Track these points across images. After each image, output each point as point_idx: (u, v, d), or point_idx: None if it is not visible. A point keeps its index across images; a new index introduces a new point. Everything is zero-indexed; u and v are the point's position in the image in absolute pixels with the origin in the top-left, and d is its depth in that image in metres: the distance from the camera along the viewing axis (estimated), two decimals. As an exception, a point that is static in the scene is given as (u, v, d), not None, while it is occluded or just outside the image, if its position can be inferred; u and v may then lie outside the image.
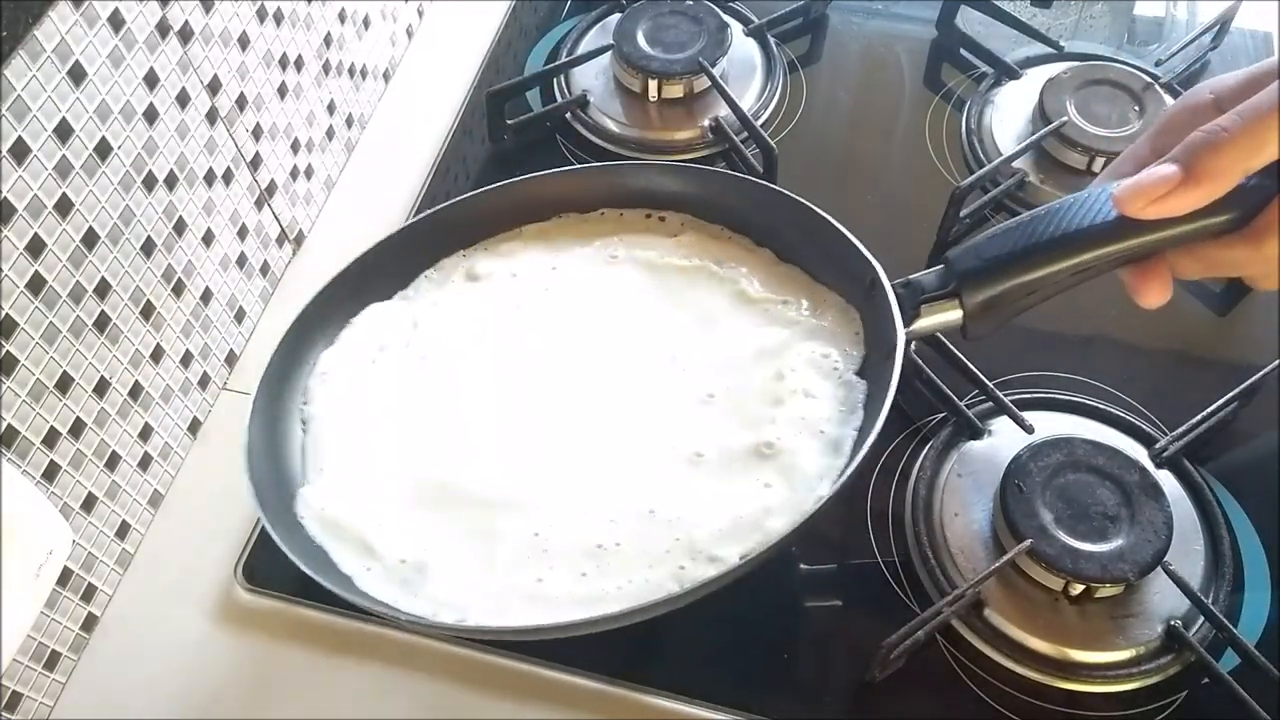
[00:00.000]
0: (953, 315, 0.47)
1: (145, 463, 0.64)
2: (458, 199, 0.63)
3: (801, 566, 0.62)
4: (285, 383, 0.57)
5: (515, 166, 0.76)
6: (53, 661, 0.59)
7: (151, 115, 0.59)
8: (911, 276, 0.49)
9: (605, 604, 0.48)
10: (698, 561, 0.49)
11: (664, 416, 0.54)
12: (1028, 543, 0.57)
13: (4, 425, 0.52)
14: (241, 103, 0.67)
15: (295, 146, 0.75)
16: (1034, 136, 0.77)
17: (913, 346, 0.68)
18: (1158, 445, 0.64)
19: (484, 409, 0.56)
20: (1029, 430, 0.63)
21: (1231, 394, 0.64)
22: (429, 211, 0.63)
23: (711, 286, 0.59)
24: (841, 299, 0.57)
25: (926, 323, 0.49)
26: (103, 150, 0.55)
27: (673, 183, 0.61)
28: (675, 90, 0.82)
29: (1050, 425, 0.64)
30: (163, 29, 0.58)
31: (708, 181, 0.61)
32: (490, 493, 0.53)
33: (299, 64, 0.73)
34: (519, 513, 0.52)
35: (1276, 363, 0.66)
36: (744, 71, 0.85)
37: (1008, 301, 0.45)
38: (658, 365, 0.56)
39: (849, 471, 0.48)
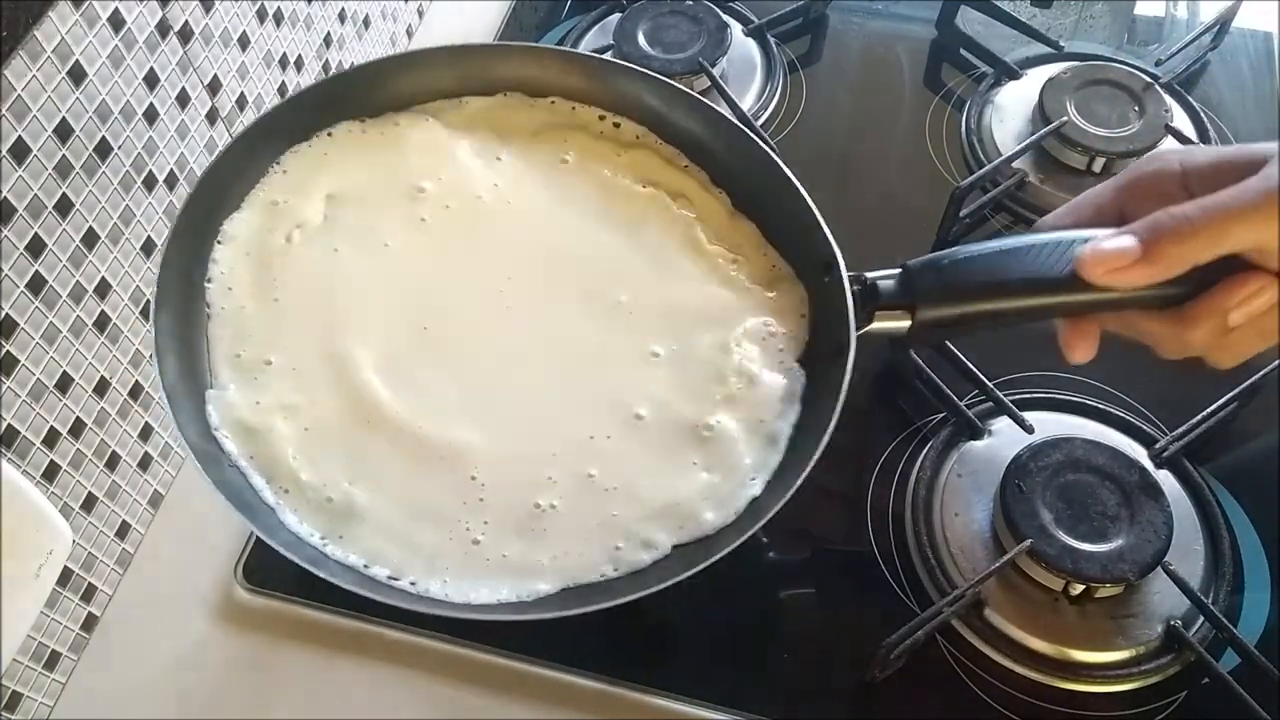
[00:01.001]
0: (900, 325, 0.47)
1: (145, 463, 0.64)
2: (401, 52, 0.58)
3: (799, 575, 0.62)
4: (194, 259, 0.52)
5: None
6: (53, 661, 0.59)
7: (152, 115, 0.59)
8: (867, 275, 0.49)
9: (539, 577, 0.47)
10: (632, 544, 0.48)
11: (608, 367, 0.52)
12: (1028, 543, 0.57)
13: (4, 425, 0.52)
14: (242, 103, 0.67)
15: (295, 146, 0.75)
16: (1034, 136, 0.77)
17: (912, 347, 0.68)
18: (1158, 445, 0.64)
19: (414, 324, 0.52)
20: (1029, 430, 0.63)
21: (1231, 394, 0.64)
22: (371, 60, 0.58)
23: (664, 224, 0.55)
24: (793, 273, 0.54)
25: (875, 327, 0.48)
26: (103, 150, 0.55)
27: (636, 89, 0.57)
28: (675, 90, 0.82)
29: (1050, 425, 0.64)
30: (163, 29, 0.58)
31: (673, 99, 0.56)
32: (423, 423, 0.50)
33: (299, 64, 0.73)
34: (455, 452, 0.49)
35: (1276, 363, 0.65)
36: (744, 71, 0.85)
37: (954, 325, 0.45)
38: (605, 306, 0.53)
39: (795, 487, 0.47)
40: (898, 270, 0.48)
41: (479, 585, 0.48)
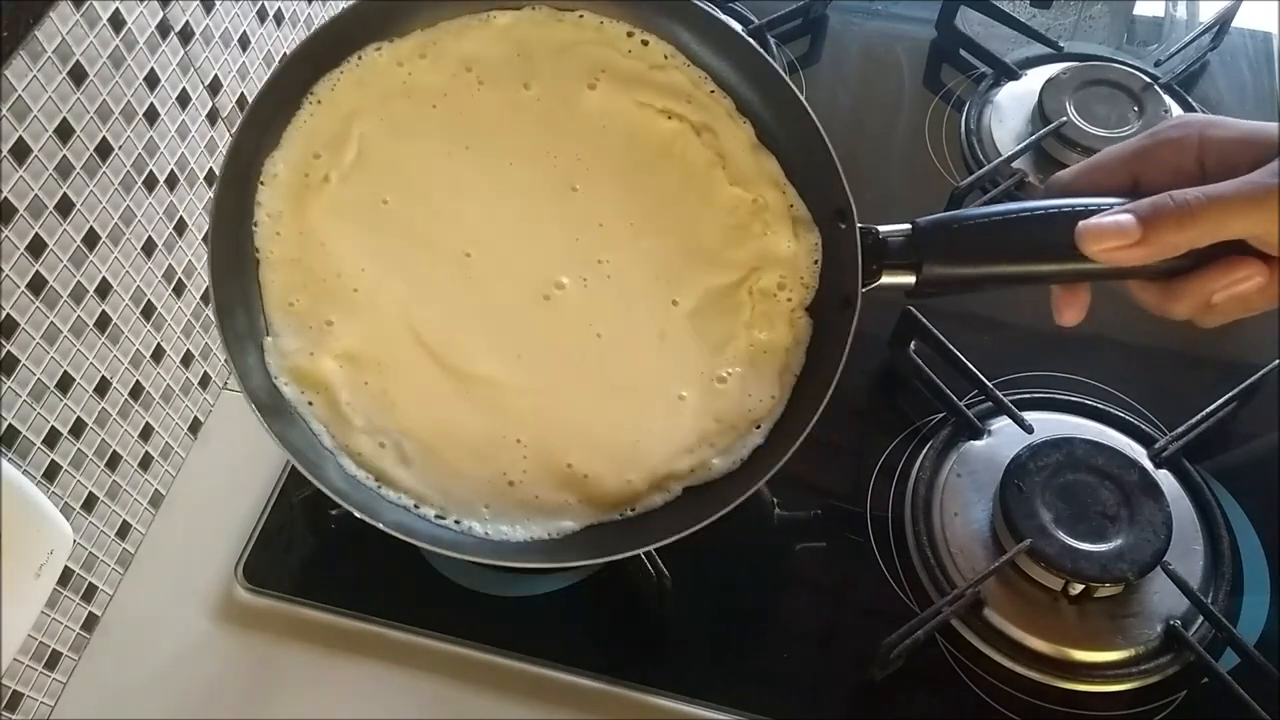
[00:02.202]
0: (906, 281, 0.48)
1: (146, 462, 0.64)
2: None
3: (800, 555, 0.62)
4: (242, 205, 0.52)
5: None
6: (53, 661, 0.59)
7: (152, 115, 0.59)
8: (879, 229, 0.49)
9: (565, 515, 0.50)
10: (647, 485, 0.51)
11: (630, 318, 0.52)
12: (1027, 542, 0.57)
13: (4, 425, 0.52)
14: (242, 103, 0.67)
15: (295, 147, 0.75)
16: (1033, 137, 0.77)
17: (912, 346, 0.69)
18: (1157, 445, 0.64)
19: (450, 265, 0.53)
20: (1029, 430, 0.63)
21: (1231, 394, 0.64)
22: None
23: (689, 157, 0.55)
24: (809, 215, 0.54)
25: (882, 282, 0.49)
26: (104, 150, 0.55)
27: (670, 9, 0.55)
28: (675, 90, 0.82)
29: (1050, 425, 0.64)
30: (163, 29, 0.58)
31: (707, 24, 0.55)
32: (460, 359, 0.51)
33: (299, 64, 0.73)
34: (494, 395, 0.51)
35: (1276, 363, 0.66)
36: (744, 72, 0.85)
37: (958, 285, 0.47)
38: (628, 255, 0.53)
39: (800, 438, 0.48)
40: (908, 226, 0.48)
41: (515, 525, 0.50)
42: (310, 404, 0.51)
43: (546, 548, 0.49)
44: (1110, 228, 0.40)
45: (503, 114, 0.55)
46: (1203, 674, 0.56)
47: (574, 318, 0.52)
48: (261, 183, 0.52)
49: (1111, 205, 0.42)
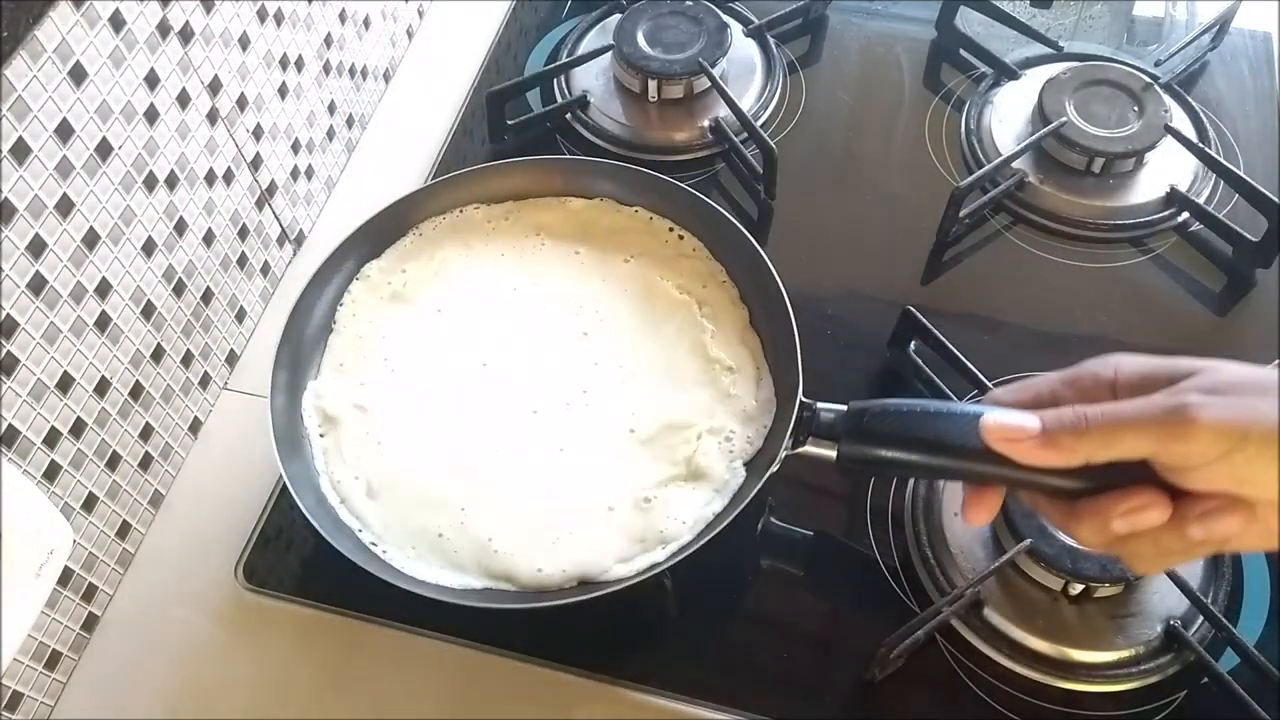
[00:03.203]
0: (828, 454, 0.53)
1: (146, 462, 0.64)
2: (532, 158, 0.74)
3: (801, 573, 0.62)
4: (340, 290, 0.68)
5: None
6: (53, 661, 0.59)
7: (152, 115, 0.59)
8: (819, 406, 0.54)
9: (471, 575, 0.57)
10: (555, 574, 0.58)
11: (594, 435, 0.62)
12: (1027, 542, 0.57)
13: (5, 425, 0.52)
14: (242, 103, 0.67)
15: (296, 147, 0.75)
16: (1033, 137, 0.77)
17: (912, 346, 0.69)
18: (1157, 445, 0.63)
19: (468, 368, 0.65)
20: (1029, 430, 0.63)
21: (1231, 394, 0.64)
22: (503, 161, 0.74)
23: (684, 326, 0.65)
24: (772, 389, 0.62)
25: (806, 450, 0.55)
26: (104, 150, 0.56)
27: (704, 216, 0.68)
28: (675, 91, 0.82)
29: (1050, 425, 0.64)
30: (163, 29, 0.59)
31: (731, 233, 0.67)
32: (448, 436, 0.62)
33: (299, 64, 0.74)
34: (462, 467, 0.61)
35: (1276, 363, 0.65)
36: (744, 72, 0.85)
37: (873, 465, 0.50)
38: (610, 380, 0.64)
39: (652, 571, 0.56)
40: (843, 407, 0.52)
41: (430, 567, 0.57)
42: (321, 435, 0.63)
43: (447, 592, 0.56)
44: (1012, 423, 0.42)
45: (553, 267, 0.69)
46: (1203, 674, 0.56)
47: (548, 431, 0.62)
48: (357, 278, 0.68)
49: (1018, 411, 0.44)
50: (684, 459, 0.59)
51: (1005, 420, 0.42)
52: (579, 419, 0.62)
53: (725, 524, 0.56)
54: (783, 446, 0.56)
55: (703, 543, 0.55)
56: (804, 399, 0.56)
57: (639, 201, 0.70)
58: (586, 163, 0.73)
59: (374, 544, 0.58)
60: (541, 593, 0.56)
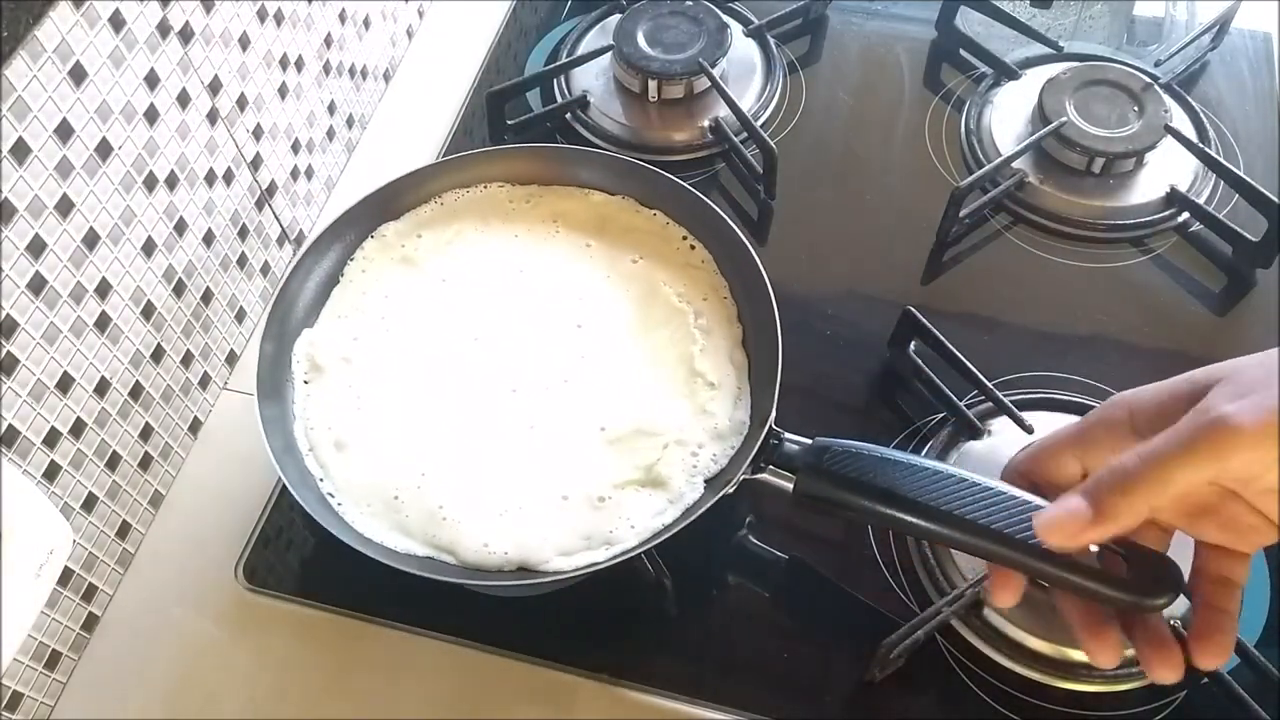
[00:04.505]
0: (786, 486, 0.54)
1: (146, 462, 0.64)
2: (567, 146, 0.78)
3: (796, 565, 0.62)
4: (355, 243, 0.69)
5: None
6: (53, 661, 0.59)
7: (152, 116, 0.59)
8: (785, 436, 0.55)
9: (420, 544, 0.58)
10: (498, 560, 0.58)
11: (564, 434, 0.61)
12: (1027, 542, 0.57)
13: (4, 425, 0.52)
14: (242, 103, 0.67)
15: (296, 147, 0.75)
16: (1033, 137, 0.77)
17: (912, 346, 0.69)
18: (1157, 445, 0.63)
19: (459, 339, 0.66)
20: (1029, 430, 0.63)
21: (1231, 394, 0.64)
22: (535, 144, 0.78)
23: (676, 334, 0.65)
24: (749, 410, 0.62)
25: (763, 478, 0.55)
26: (104, 150, 0.56)
27: (717, 231, 0.68)
28: (675, 91, 0.82)
29: (1050, 425, 0.64)
30: (163, 29, 0.59)
31: (739, 251, 0.66)
32: (426, 398, 0.63)
33: (299, 64, 0.74)
34: (431, 430, 0.62)
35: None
36: (744, 72, 0.85)
37: (828, 504, 0.51)
38: (592, 376, 0.64)
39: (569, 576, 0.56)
40: (809, 441, 0.53)
41: (380, 526, 0.58)
42: (306, 381, 0.64)
43: (389, 554, 0.56)
44: (1066, 516, 0.39)
45: (563, 256, 0.69)
46: (1203, 674, 0.56)
47: (522, 409, 0.62)
48: (372, 236, 0.70)
49: (1057, 502, 0.41)
50: (647, 465, 0.59)
51: (1058, 519, 0.39)
52: (554, 406, 0.62)
53: (670, 535, 0.55)
54: (740, 471, 0.56)
55: (643, 550, 0.55)
56: (774, 427, 0.56)
57: (660, 206, 0.71)
58: (615, 160, 0.73)
59: (331, 495, 0.59)
60: (479, 571, 0.56)
